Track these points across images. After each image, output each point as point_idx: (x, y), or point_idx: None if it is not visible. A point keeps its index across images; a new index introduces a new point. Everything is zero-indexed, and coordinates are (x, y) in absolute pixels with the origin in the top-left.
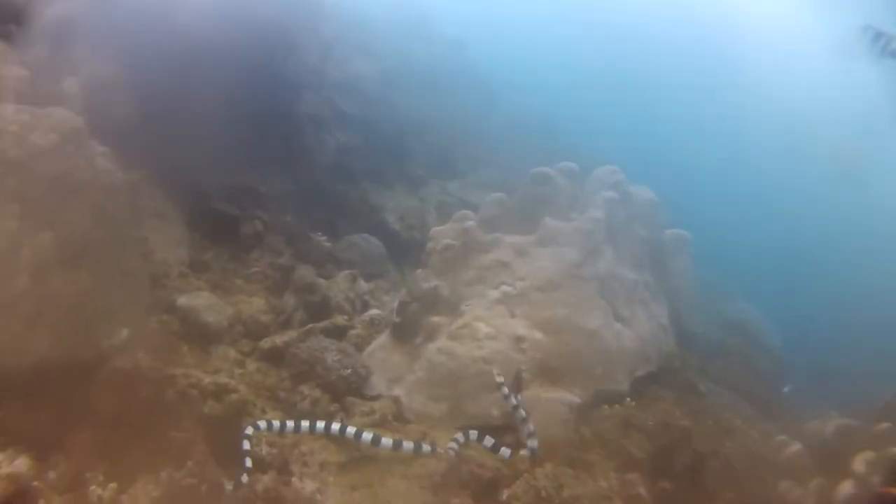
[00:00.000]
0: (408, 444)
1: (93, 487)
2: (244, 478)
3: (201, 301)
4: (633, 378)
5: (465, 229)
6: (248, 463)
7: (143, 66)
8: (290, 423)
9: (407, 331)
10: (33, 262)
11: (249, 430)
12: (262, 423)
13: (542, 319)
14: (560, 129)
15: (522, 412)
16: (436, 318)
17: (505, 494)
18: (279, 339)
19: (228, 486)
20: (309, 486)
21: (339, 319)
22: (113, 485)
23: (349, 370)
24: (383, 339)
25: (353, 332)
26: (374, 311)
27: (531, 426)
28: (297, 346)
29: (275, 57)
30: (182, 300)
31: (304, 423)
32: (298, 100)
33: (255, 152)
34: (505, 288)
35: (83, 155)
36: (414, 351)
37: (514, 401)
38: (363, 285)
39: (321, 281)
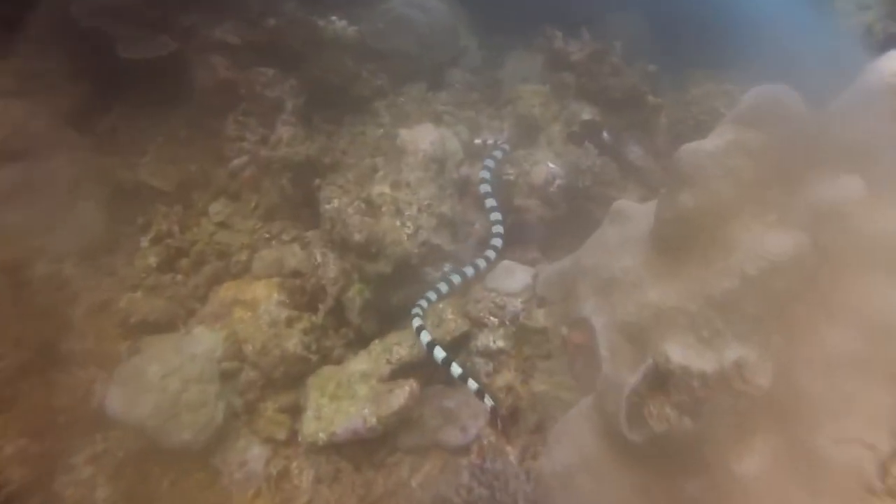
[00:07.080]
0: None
1: None
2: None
3: (148, 401)
4: None
5: None
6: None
7: None
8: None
9: None
10: None
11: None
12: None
13: None
14: None
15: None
16: None
17: None
18: (327, 430)
19: None
20: None
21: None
22: None
23: None
24: None
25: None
26: (507, 303)
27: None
28: None
29: None
30: (112, 406)
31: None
32: None
33: None
34: None
35: None
36: None
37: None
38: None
39: (370, 225)
